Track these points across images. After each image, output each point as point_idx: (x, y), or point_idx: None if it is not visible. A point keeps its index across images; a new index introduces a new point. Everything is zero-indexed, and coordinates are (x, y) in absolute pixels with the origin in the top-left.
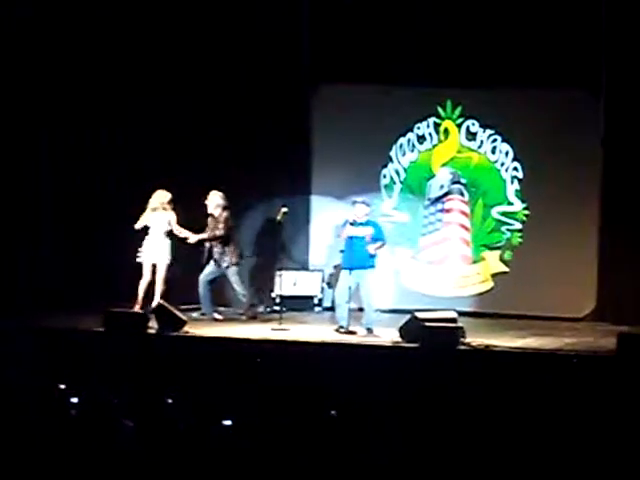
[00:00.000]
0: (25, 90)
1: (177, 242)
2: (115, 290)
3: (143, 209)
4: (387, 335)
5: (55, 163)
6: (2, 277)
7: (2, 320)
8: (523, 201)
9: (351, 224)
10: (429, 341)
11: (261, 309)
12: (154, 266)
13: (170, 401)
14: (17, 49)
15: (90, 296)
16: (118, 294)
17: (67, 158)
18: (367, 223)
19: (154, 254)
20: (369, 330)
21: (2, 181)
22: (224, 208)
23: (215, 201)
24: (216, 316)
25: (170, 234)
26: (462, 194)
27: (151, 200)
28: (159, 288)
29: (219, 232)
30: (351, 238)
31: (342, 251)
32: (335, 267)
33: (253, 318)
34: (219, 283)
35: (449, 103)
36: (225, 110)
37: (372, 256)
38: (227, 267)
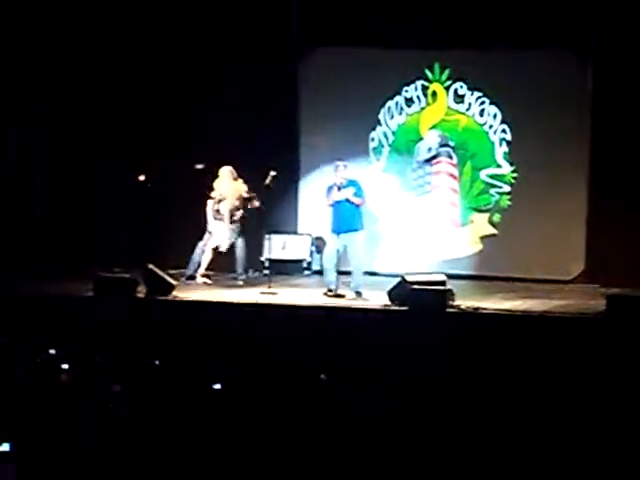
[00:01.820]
0: (18, 58)
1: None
2: (105, 255)
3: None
4: (376, 298)
5: (47, 132)
6: None
7: None
8: (511, 163)
9: (338, 188)
10: (418, 304)
11: (251, 273)
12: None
13: (159, 365)
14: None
15: (81, 261)
16: (108, 259)
17: (59, 126)
18: (348, 184)
19: (219, 231)
20: (358, 293)
21: None
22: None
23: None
24: (206, 281)
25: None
26: (450, 157)
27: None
28: (207, 258)
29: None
30: (338, 202)
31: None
32: (320, 238)
33: (247, 283)
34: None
35: (437, 66)
36: (213, 75)
37: (359, 219)
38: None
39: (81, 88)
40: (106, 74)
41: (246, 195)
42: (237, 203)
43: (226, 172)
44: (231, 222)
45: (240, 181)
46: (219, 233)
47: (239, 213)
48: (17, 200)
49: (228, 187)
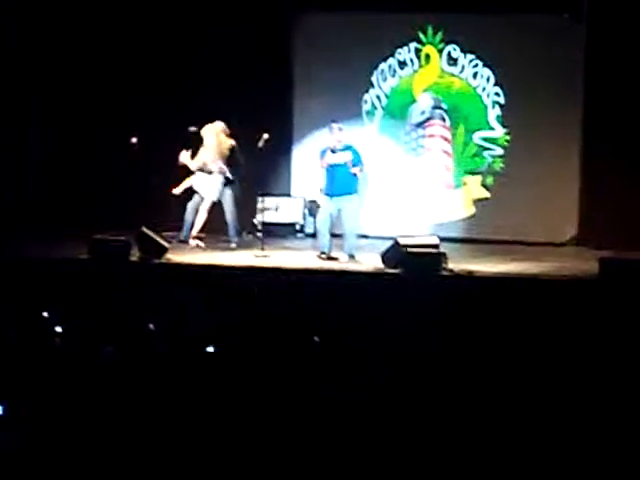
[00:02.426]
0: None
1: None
2: (98, 217)
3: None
4: (369, 261)
5: (42, 97)
6: None
7: None
8: (504, 126)
9: (332, 151)
10: (411, 267)
11: (244, 236)
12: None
13: (152, 328)
14: None
15: (73, 224)
16: (101, 221)
17: (54, 90)
18: (345, 148)
19: (203, 187)
20: (351, 256)
21: None
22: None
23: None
24: (199, 243)
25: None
26: (443, 119)
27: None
28: (200, 219)
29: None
30: (332, 166)
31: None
32: (313, 201)
33: (240, 246)
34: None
35: (430, 28)
36: (206, 38)
37: (353, 182)
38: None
39: (76, 52)
40: (102, 38)
41: (228, 152)
42: (217, 156)
43: (219, 126)
44: (209, 172)
45: (230, 140)
46: (200, 185)
47: (215, 165)
48: (10, 163)
49: (212, 139)
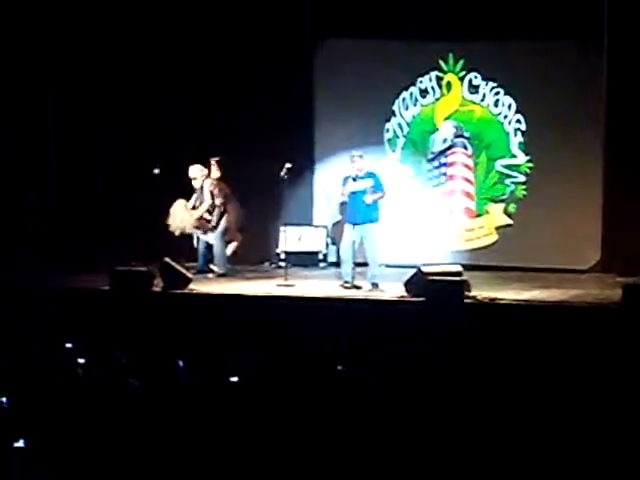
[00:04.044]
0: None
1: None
2: (121, 249)
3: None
4: (392, 290)
5: (61, 127)
6: (10, 236)
7: (9, 279)
8: (526, 153)
9: (353, 179)
10: (434, 295)
11: (266, 265)
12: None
13: (180, 362)
14: None
15: (96, 255)
16: (124, 253)
17: (73, 119)
18: (367, 176)
19: None
20: (374, 285)
21: (9, 138)
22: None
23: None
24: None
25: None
26: (465, 147)
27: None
28: (216, 254)
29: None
30: (354, 193)
31: (343, 203)
32: (338, 223)
33: (205, 272)
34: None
35: (451, 56)
36: (227, 66)
37: (375, 210)
38: (209, 230)
39: (96, 78)
40: (123, 64)
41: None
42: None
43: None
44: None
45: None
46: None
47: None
48: (33, 196)
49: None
